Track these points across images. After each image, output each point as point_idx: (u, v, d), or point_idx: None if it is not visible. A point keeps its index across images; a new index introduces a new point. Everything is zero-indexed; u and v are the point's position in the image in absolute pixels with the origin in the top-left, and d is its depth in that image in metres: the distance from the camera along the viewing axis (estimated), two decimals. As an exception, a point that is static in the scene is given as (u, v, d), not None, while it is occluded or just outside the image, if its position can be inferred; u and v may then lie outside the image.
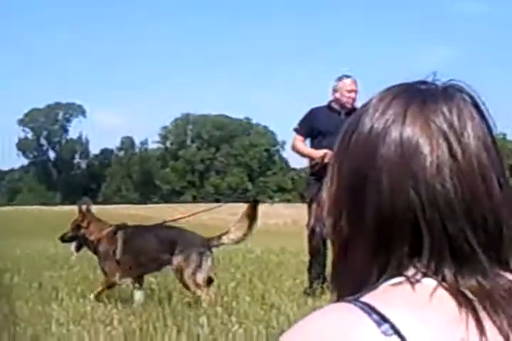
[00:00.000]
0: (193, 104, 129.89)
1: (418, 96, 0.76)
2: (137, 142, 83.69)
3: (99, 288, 5.71)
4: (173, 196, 74.61)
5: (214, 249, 5.51)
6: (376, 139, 0.75)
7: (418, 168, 0.72)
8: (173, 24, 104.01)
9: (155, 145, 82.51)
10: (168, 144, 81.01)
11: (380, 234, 0.73)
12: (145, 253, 5.47)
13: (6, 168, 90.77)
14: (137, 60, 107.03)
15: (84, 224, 5.67)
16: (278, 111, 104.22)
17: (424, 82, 0.79)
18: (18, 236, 19.63)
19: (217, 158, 78.48)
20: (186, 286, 5.37)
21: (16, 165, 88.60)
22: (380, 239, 0.73)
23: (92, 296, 5.67)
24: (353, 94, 6.23)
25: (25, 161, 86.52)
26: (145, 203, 63.46)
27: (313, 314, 0.70)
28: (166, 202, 65.70)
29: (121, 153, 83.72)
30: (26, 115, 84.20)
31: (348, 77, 6.32)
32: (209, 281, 5.36)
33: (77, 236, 5.76)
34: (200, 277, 5.20)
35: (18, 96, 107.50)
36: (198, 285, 5.24)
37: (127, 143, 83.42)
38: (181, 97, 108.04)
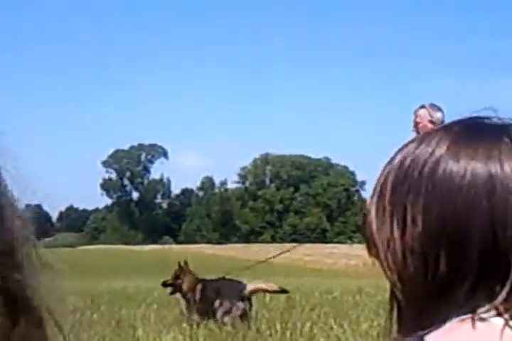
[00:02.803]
0: (272, 144, 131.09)
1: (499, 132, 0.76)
2: (217, 182, 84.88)
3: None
4: (252, 236, 74.79)
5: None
6: (478, 179, 0.73)
7: None
8: (258, 67, 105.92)
9: (234, 186, 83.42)
10: (247, 184, 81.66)
11: (479, 274, 0.72)
12: (207, 302, 6.77)
13: (90, 208, 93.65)
14: (216, 102, 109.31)
15: (181, 276, 7.13)
16: (358, 150, 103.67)
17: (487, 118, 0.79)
18: (101, 274, 20.04)
19: (296, 198, 78.41)
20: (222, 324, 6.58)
21: (100, 205, 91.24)
22: (479, 279, 0.72)
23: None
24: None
25: (108, 201, 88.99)
26: (225, 243, 63.84)
27: None
28: (245, 241, 65.88)
29: (202, 193, 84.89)
30: (110, 156, 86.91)
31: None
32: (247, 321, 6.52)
33: (174, 284, 7.20)
34: (228, 320, 6.45)
35: (102, 137, 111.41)
36: (225, 324, 6.44)
37: (207, 183, 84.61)
38: (260, 137, 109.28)
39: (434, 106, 5.69)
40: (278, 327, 6.14)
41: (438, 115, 5.61)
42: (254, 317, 6.73)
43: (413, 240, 0.75)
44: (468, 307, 0.72)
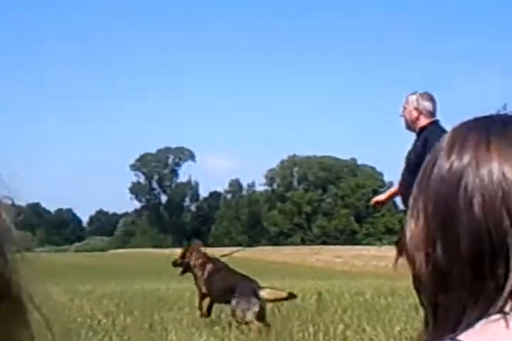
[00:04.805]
0: (299, 146, 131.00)
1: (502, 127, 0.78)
2: (245, 184, 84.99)
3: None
4: (281, 238, 74.73)
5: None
6: (459, 173, 0.77)
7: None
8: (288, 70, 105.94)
9: (262, 188, 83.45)
10: (275, 186, 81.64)
11: (476, 265, 0.73)
12: (215, 288, 6.97)
13: (120, 212, 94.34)
14: (243, 104, 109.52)
15: (188, 254, 7.38)
16: (385, 151, 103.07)
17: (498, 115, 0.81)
18: (132, 277, 20.19)
19: (324, 200, 78.19)
20: (239, 322, 6.61)
21: (130, 209, 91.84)
22: (477, 271, 0.73)
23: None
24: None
25: (137, 205, 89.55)
26: (253, 245, 63.89)
27: None
28: (274, 244, 65.85)
29: (229, 196, 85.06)
30: (138, 160, 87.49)
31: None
32: (262, 318, 6.65)
33: (182, 263, 7.43)
34: (249, 316, 6.56)
35: (130, 141, 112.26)
36: (247, 323, 6.52)
37: (235, 185, 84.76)
38: (287, 139, 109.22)
39: (426, 95, 5.59)
40: (311, 329, 6.14)
41: (425, 104, 5.52)
42: (282, 317, 6.85)
43: (418, 236, 0.78)
44: (493, 304, 0.72)
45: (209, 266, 7.17)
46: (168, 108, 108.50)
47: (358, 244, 62.78)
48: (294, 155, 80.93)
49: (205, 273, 7.12)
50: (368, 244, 63.19)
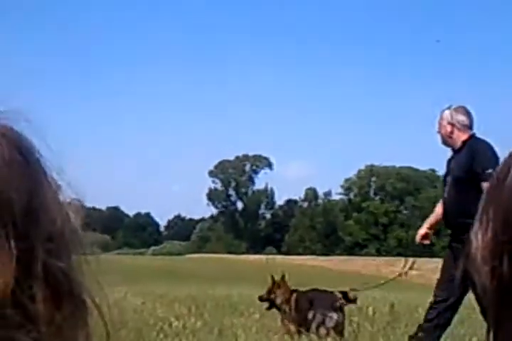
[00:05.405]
0: (378, 155, 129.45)
1: None
2: (321, 193, 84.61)
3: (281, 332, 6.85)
4: (356, 248, 73.96)
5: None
6: None
7: None
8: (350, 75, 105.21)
9: (338, 197, 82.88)
10: (351, 196, 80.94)
11: None
12: (302, 312, 6.74)
13: (197, 217, 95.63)
14: (320, 113, 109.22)
15: (275, 290, 7.16)
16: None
17: None
18: (206, 282, 20.40)
19: (402, 211, 76.92)
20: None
21: (206, 215, 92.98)
22: None
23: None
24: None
25: (214, 210, 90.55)
26: (328, 255, 63.45)
27: None
28: (349, 254, 65.22)
29: (305, 204, 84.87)
30: (216, 166, 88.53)
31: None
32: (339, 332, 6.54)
33: (269, 299, 7.21)
34: (323, 331, 6.43)
35: (210, 147, 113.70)
36: (320, 336, 6.43)
37: (311, 194, 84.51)
38: (366, 148, 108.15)
39: (460, 109, 5.46)
40: (381, 340, 6.05)
41: (460, 118, 5.39)
42: (354, 331, 6.72)
43: (485, 249, 0.75)
44: None
45: (293, 297, 6.96)
46: (247, 115, 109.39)
47: (435, 256, 61.45)
48: (372, 165, 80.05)
49: (292, 305, 6.89)
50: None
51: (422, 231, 5.93)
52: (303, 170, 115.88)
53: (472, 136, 5.35)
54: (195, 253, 71.89)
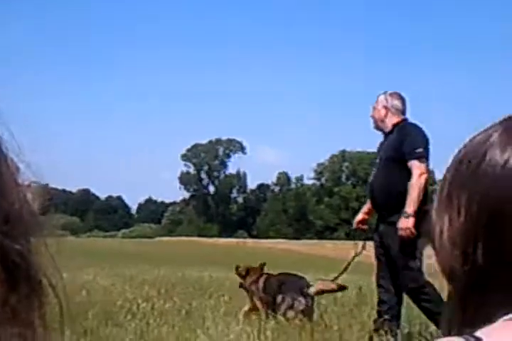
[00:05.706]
0: (350, 141, 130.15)
1: None
2: (293, 178, 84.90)
3: (246, 308, 6.88)
4: (326, 232, 74.51)
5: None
6: None
7: None
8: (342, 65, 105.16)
9: (310, 182, 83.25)
10: (323, 181, 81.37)
11: None
12: (270, 294, 6.78)
13: (168, 201, 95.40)
14: (294, 98, 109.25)
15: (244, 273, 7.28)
16: (436, 146, 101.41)
17: None
18: (176, 265, 20.42)
19: (373, 196, 77.60)
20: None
21: (178, 198, 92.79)
22: None
23: (240, 316, 6.59)
24: None
25: (186, 194, 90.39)
26: (298, 238, 63.85)
27: None
28: (319, 238, 65.70)
29: (277, 189, 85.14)
30: (189, 150, 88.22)
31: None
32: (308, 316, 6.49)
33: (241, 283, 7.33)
34: (291, 314, 6.41)
35: (181, 131, 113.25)
36: (288, 319, 6.34)
37: (283, 178, 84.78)
38: (338, 133, 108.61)
39: (395, 95, 5.53)
40: (347, 322, 6.11)
41: (395, 102, 5.46)
42: (319, 312, 6.76)
43: (456, 232, 0.74)
44: (509, 303, 0.70)
45: (262, 279, 7.02)
46: (220, 100, 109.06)
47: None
48: (344, 150, 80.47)
49: (260, 286, 6.93)
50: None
51: (360, 217, 6.04)
52: (276, 154, 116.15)
53: (403, 120, 5.41)
54: (166, 236, 71.82)
